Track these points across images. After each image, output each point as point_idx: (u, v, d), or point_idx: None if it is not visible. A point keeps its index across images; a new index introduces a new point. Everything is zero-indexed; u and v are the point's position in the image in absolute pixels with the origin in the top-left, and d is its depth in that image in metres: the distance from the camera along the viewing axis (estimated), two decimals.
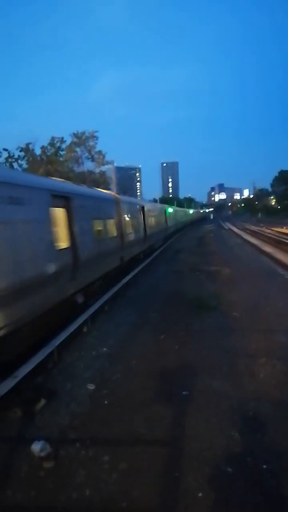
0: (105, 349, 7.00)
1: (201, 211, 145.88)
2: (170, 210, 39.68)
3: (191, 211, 78.78)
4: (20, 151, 39.67)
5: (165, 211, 32.03)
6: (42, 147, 41.45)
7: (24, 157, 40.02)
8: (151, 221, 22.75)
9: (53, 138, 42.35)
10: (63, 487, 3.50)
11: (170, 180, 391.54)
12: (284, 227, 44.12)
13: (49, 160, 40.98)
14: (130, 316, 9.12)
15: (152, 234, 22.24)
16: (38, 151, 41.33)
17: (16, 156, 39.55)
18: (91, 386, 5.49)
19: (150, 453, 3.92)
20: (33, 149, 40.36)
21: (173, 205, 64.00)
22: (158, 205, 33.20)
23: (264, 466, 3.62)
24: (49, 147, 42.06)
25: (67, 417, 4.72)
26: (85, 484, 3.52)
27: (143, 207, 20.01)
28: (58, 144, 42.74)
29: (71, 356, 6.69)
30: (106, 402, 5.06)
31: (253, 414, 4.55)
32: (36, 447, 3.89)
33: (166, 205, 40.82)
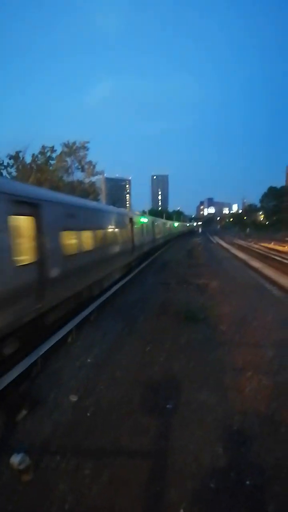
0: (89, 360, 6.91)
1: (188, 224, 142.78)
2: (159, 221, 39.61)
3: (176, 224, 77.83)
4: (10, 158, 39.61)
5: (153, 223, 31.88)
6: (33, 155, 41.47)
7: (13, 165, 39.95)
8: (139, 233, 22.18)
9: (44, 147, 42.44)
10: (42, 500, 3.40)
11: (159, 192, 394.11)
12: (272, 243, 44.64)
13: (39, 168, 40.96)
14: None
15: (140, 245, 21.84)
16: (28, 159, 41.33)
17: (5, 164, 39.46)
18: (74, 398, 5.39)
19: (133, 465, 3.85)
20: (23, 157, 40.35)
21: (162, 218, 64.20)
22: (147, 217, 32.52)
23: (248, 482, 3.57)
24: (39, 155, 42.11)
25: (49, 427, 4.62)
26: (65, 497, 3.42)
27: (131, 218, 19.69)
28: (48, 153, 42.82)
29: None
30: (88, 414, 4.96)
31: (237, 429, 4.51)
32: (15, 459, 3.77)
33: (154, 217, 40.38)
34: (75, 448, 4.19)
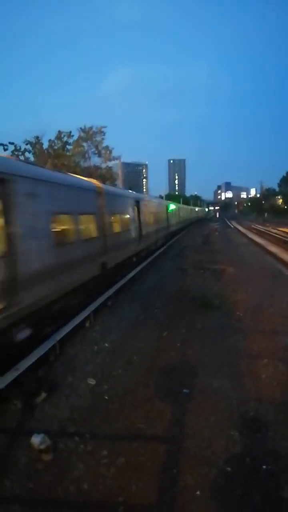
0: (106, 344, 7.01)
1: (206, 209, 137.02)
2: (173, 206, 37.40)
3: (192, 209, 76.51)
4: (27, 144, 39.74)
5: (167, 208, 30.20)
6: (50, 141, 41.49)
7: (31, 150, 40.10)
8: (149, 218, 20.22)
9: (60, 132, 42.35)
10: (61, 480, 3.52)
11: (176, 177, 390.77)
12: None
13: (55, 154, 41.01)
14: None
15: (148, 234, 19.44)
16: (45, 145, 41.40)
17: (22, 149, 39.63)
18: (91, 381, 5.51)
19: (149, 449, 3.93)
20: (41, 143, 40.46)
21: (179, 202, 63.50)
22: (158, 200, 30.26)
23: (264, 467, 3.61)
24: (56, 141, 42.09)
25: (67, 410, 4.75)
26: (83, 478, 3.53)
27: (137, 202, 17.36)
28: (65, 139, 42.75)
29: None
30: (106, 397, 5.07)
31: (253, 415, 4.54)
32: (36, 439, 3.91)
33: (168, 201, 38.41)
34: (92, 431, 4.31)
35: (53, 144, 41.80)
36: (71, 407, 4.82)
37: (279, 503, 3.21)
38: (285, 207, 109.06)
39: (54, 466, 3.71)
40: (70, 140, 43.67)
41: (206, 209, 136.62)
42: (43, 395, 5.05)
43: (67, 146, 43.53)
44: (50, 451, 3.87)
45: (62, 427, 4.39)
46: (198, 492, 3.31)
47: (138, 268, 14.65)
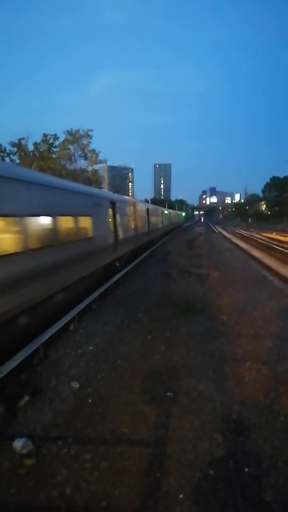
0: (90, 347, 6.98)
1: (183, 213, 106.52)
2: (157, 209, 35.87)
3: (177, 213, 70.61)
4: (12, 146, 39.48)
5: (147, 211, 27.31)
6: (35, 143, 41.31)
7: (16, 152, 39.85)
8: (127, 222, 17.98)
9: (45, 135, 42.20)
10: (43, 484, 3.48)
11: (162, 181, 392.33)
12: (274, 233, 44.54)
13: (41, 156, 40.81)
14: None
15: (126, 240, 17.16)
16: (31, 147, 41.21)
17: (8, 151, 39.35)
18: (75, 385, 5.47)
19: (132, 453, 3.92)
20: (25, 145, 40.22)
21: (164, 206, 62.91)
22: (139, 202, 26.85)
23: (246, 470, 3.64)
24: (41, 143, 41.92)
25: (50, 414, 4.70)
26: (66, 483, 3.50)
27: (113, 203, 15.13)
28: (51, 141, 42.61)
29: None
30: (90, 400, 5.04)
31: (236, 418, 4.57)
32: (18, 444, 3.86)
33: (149, 204, 36.15)
34: (76, 435, 4.28)
35: (38, 147, 41.60)
36: (54, 411, 4.78)
37: (261, 506, 3.24)
38: (269, 212, 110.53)
39: (36, 471, 3.67)
40: (56, 143, 43.58)
41: (183, 213, 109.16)
42: (26, 398, 4.99)
43: (53, 148, 43.40)
44: (32, 456, 3.82)
45: (45, 431, 4.35)
46: (181, 496, 3.32)
47: (120, 274, 14.58)
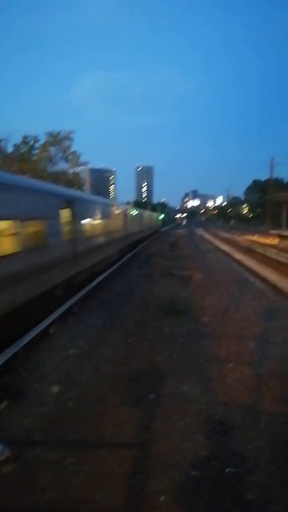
0: (72, 351, 6.90)
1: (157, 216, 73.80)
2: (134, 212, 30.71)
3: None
4: None
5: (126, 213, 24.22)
6: (15, 145, 40.86)
7: None
8: (89, 227, 13.93)
9: (25, 136, 41.82)
10: (25, 489, 3.39)
11: (144, 184, 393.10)
12: (256, 235, 45.11)
13: (21, 158, 40.39)
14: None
15: (89, 251, 13.47)
16: (11, 149, 40.74)
17: None
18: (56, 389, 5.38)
19: (115, 456, 3.87)
20: (5, 147, 39.74)
21: (146, 209, 59.72)
22: (108, 202, 23.34)
23: (229, 470, 3.64)
24: (22, 145, 41.50)
25: (31, 418, 4.61)
26: (47, 487, 3.41)
27: (69, 202, 11.37)
28: (31, 143, 42.24)
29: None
30: (72, 404, 4.97)
31: (220, 418, 4.58)
32: None
33: (125, 205, 31.17)
34: (58, 439, 4.21)
35: (18, 149, 41.16)
36: (35, 415, 4.69)
37: (244, 505, 3.24)
38: (251, 215, 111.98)
39: (18, 475, 3.58)
40: (37, 145, 43.21)
41: (161, 216, 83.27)
42: (5, 403, 4.89)
43: (33, 151, 43.03)
44: (10, 463, 3.72)
45: (26, 436, 4.25)
46: (164, 497, 3.29)
47: (102, 276, 14.50)
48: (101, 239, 15.95)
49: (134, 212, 31.46)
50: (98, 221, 15.68)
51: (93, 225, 14.55)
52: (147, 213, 49.37)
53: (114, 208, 21.11)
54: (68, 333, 7.83)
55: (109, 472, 3.61)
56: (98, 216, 15.75)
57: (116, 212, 21.15)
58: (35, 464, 3.75)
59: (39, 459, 3.83)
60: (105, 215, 17.37)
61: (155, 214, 67.81)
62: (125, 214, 24.35)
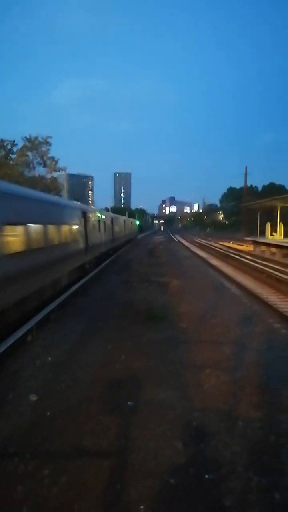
0: (49, 358, 6.81)
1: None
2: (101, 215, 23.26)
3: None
4: None
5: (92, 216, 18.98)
6: None
7: None
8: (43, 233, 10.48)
9: (2, 141, 41.28)
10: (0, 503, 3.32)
11: (122, 190, 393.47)
12: (231, 242, 45.79)
13: None
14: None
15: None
16: None
17: None
18: (33, 397, 5.30)
19: (93, 465, 3.83)
20: None
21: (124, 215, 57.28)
22: (70, 203, 17.88)
23: (206, 476, 3.66)
24: None
25: (6, 429, 4.52)
26: (22, 501, 3.35)
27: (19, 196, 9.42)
28: (8, 147, 41.72)
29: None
30: (48, 413, 4.90)
31: (196, 425, 4.61)
32: None
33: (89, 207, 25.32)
34: (33, 450, 4.14)
35: None
36: (10, 425, 4.60)
37: (222, 511, 3.26)
38: (226, 222, 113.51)
39: None
40: (14, 149, 42.70)
41: (137, 221, 72.72)
42: None
43: (11, 155, 42.49)
44: None
45: (0, 447, 4.17)
46: (142, 506, 3.28)
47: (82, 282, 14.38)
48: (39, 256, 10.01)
49: (101, 216, 23.30)
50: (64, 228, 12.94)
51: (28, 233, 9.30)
52: (123, 218, 42.40)
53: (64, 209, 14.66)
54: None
55: (87, 482, 3.57)
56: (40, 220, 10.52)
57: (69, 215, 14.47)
58: (10, 477, 3.67)
59: (14, 471, 3.74)
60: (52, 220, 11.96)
61: (130, 221, 53.47)
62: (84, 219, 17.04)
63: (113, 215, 33.96)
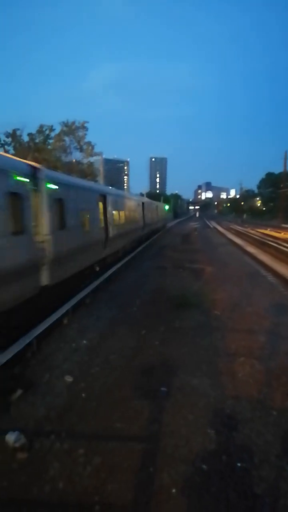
0: (84, 341, 6.96)
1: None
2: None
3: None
4: (7, 137, 39.11)
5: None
6: (29, 134, 40.93)
7: (11, 143, 39.49)
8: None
9: (41, 126, 41.84)
10: (36, 479, 3.46)
11: (158, 175, 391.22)
12: (268, 229, 44.63)
13: (36, 147, 40.48)
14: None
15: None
16: (26, 139, 40.84)
17: (2, 141, 39.00)
18: (69, 378, 5.45)
19: (125, 448, 3.91)
20: (20, 135, 39.86)
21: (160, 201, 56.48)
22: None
23: (239, 464, 3.65)
24: (37, 134, 41.55)
25: (43, 408, 4.68)
26: (58, 477, 3.48)
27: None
28: (47, 132, 42.27)
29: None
30: (83, 395, 5.02)
31: (229, 413, 4.59)
32: (11, 437, 3.84)
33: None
34: (69, 430, 4.27)
35: (33, 138, 41.23)
36: (47, 405, 4.76)
37: (252, 499, 3.25)
38: (263, 208, 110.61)
39: (29, 465, 3.65)
40: (52, 134, 43.21)
41: (166, 206, 61.47)
42: (19, 392, 4.97)
43: (48, 140, 43.05)
44: (25, 450, 3.81)
45: (38, 426, 4.33)
46: (174, 490, 3.32)
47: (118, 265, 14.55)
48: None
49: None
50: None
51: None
52: (149, 202, 34.47)
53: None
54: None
55: (119, 464, 3.65)
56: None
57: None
58: (47, 453, 3.82)
59: (50, 449, 3.89)
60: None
61: (157, 205, 41.81)
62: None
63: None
